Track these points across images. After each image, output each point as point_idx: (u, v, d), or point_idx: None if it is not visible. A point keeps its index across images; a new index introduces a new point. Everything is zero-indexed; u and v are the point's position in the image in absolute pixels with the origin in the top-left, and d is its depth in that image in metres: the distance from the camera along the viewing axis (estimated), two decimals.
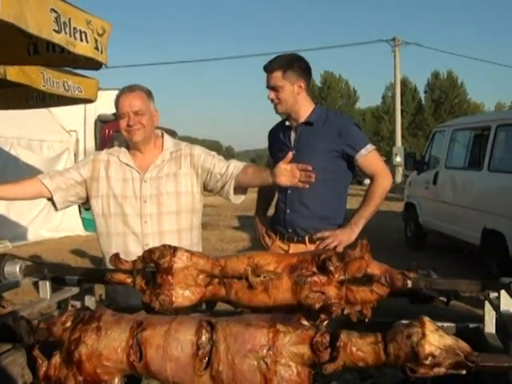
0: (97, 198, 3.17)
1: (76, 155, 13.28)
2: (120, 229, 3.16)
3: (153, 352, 1.61)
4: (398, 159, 27.06)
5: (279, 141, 3.62)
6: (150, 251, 1.94)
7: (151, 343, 1.61)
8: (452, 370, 1.44)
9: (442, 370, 1.46)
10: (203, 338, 1.58)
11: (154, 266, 1.96)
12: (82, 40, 3.87)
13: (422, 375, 1.46)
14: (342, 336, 1.49)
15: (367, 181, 3.65)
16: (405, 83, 49.47)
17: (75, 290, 2.53)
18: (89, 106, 13.07)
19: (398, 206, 13.49)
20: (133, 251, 3.04)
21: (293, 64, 3.39)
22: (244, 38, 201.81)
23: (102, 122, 14.59)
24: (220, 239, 11.98)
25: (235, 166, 3.09)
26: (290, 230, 3.49)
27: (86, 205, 3.34)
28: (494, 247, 7.37)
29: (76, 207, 12.65)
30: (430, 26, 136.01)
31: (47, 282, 2.43)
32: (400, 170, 28.42)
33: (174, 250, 1.94)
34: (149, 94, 3.17)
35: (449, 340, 1.44)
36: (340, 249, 3.07)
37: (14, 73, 5.69)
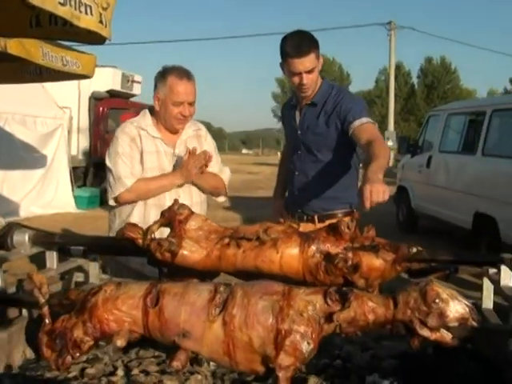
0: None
1: (69, 132, 13.23)
2: (156, 200, 3.24)
3: (169, 298, 1.68)
4: (390, 143, 27.07)
5: (287, 120, 3.61)
6: (172, 205, 2.01)
7: (169, 291, 1.69)
8: (458, 333, 1.51)
9: (448, 336, 1.52)
10: (221, 287, 1.66)
11: (170, 224, 2.02)
12: (86, 13, 3.83)
13: (429, 336, 1.52)
14: (355, 290, 1.56)
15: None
16: (398, 68, 49.25)
17: (81, 261, 2.56)
18: (83, 82, 13.01)
19: (390, 190, 13.51)
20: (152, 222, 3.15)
21: (315, 41, 3.22)
22: (236, 18, 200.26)
23: (96, 99, 14.52)
24: (211, 219, 11.96)
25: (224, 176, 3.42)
26: (300, 210, 3.47)
27: None
28: (486, 231, 7.44)
29: (68, 184, 12.64)
30: (424, 10, 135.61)
31: (54, 252, 2.44)
32: (392, 154, 28.48)
33: (193, 212, 2.03)
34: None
35: (454, 293, 1.51)
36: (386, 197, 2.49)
37: (13, 46, 5.62)
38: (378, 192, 2.39)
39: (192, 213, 2.03)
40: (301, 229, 3.32)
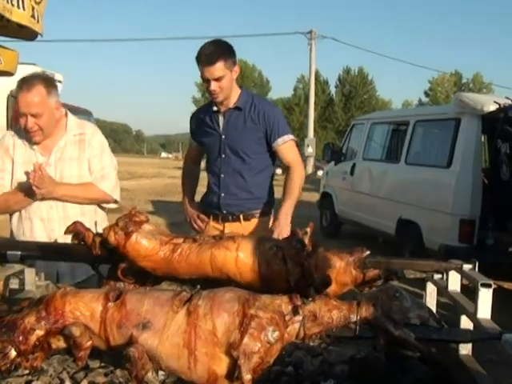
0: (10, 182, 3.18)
1: None
2: (27, 214, 3.17)
3: (132, 293, 1.64)
4: (310, 150, 27.66)
5: (205, 125, 3.62)
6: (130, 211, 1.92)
7: (132, 290, 1.67)
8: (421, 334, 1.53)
9: (411, 335, 1.54)
10: (187, 288, 1.63)
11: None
12: (18, 7, 3.68)
13: (393, 331, 1.53)
14: None
15: (278, 170, 3.76)
16: (316, 76, 50.34)
17: (18, 267, 2.43)
18: (0, 80, 12.48)
19: (310, 197, 13.77)
20: (38, 236, 3.11)
21: (228, 51, 3.38)
22: (159, 21, 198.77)
23: (14, 97, 13.96)
24: None
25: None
26: (225, 212, 3.56)
27: None
28: (409, 236, 7.69)
29: None
30: (345, 21, 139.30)
31: None
32: (311, 161, 29.00)
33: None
34: (49, 87, 3.05)
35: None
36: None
37: None
38: (283, 234, 3.09)
39: (148, 220, 1.95)
40: (226, 229, 3.49)
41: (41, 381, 1.88)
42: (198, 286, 1.73)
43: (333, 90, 61.75)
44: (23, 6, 3.75)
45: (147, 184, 21.76)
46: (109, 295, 1.64)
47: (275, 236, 3.25)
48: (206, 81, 3.35)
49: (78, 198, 3.18)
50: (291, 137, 3.53)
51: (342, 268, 1.79)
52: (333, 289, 1.84)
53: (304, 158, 26.68)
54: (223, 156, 3.52)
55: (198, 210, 3.74)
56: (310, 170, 27.91)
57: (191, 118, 3.84)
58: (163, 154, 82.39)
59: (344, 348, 2.13)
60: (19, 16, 3.73)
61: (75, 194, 3.16)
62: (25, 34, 4.12)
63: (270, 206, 3.64)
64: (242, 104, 3.48)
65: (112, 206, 3.36)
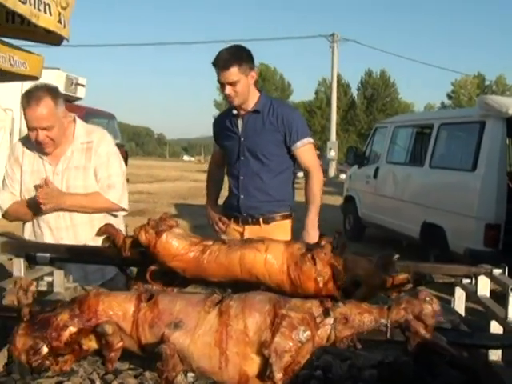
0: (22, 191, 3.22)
1: (11, 135, 12.81)
2: (36, 222, 3.20)
3: (165, 294, 1.67)
4: (332, 153, 27.58)
5: (226, 129, 3.69)
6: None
7: (163, 292, 1.70)
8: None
9: (443, 339, 1.53)
10: (218, 291, 1.65)
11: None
12: (45, 12, 3.73)
13: (424, 334, 1.52)
14: None
15: (300, 174, 3.80)
16: (338, 79, 50.24)
17: (47, 269, 2.45)
18: (26, 84, 12.60)
19: (333, 200, 13.73)
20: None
21: (244, 57, 3.45)
22: (183, 25, 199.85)
23: None
24: None
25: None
26: (245, 214, 3.60)
27: None
28: (434, 240, 7.62)
29: None
30: (368, 24, 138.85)
31: (22, 260, 2.35)
32: (334, 164, 28.93)
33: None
34: (55, 98, 3.04)
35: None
36: None
37: None
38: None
39: (177, 225, 1.96)
40: (246, 232, 3.54)
41: (71, 382, 1.90)
42: (229, 290, 1.73)
43: (354, 92, 61.62)
44: (50, 12, 3.81)
45: (170, 187, 21.85)
46: (141, 296, 1.65)
47: None
48: (222, 84, 3.44)
49: (85, 208, 3.17)
50: (310, 140, 3.58)
51: (371, 270, 1.76)
52: (362, 292, 1.84)
53: (326, 161, 26.63)
54: (242, 158, 3.58)
55: (219, 213, 3.79)
56: (332, 173, 27.85)
57: (214, 122, 3.91)
58: (185, 157, 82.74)
59: (372, 352, 2.13)
60: (46, 21, 3.78)
61: (82, 204, 3.16)
62: (51, 39, 4.18)
63: (291, 209, 3.66)
64: (260, 107, 3.53)
65: (122, 213, 3.34)
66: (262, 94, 3.62)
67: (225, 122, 3.71)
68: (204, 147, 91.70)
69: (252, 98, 3.54)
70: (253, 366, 1.52)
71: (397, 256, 1.90)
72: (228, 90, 3.41)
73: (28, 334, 1.66)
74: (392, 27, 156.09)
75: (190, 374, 1.88)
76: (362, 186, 10.50)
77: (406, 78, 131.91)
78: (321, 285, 1.69)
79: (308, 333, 1.50)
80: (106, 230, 2.01)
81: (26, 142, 3.20)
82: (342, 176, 24.60)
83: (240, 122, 3.59)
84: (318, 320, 1.54)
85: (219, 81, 3.43)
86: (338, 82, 41.79)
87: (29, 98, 2.95)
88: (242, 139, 3.56)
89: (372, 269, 1.78)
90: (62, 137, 3.12)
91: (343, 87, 58.78)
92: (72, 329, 1.62)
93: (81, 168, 3.16)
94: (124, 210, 3.30)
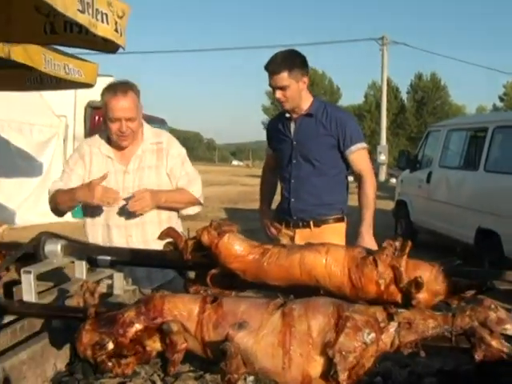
0: None
1: (65, 140, 13.13)
2: (103, 220, 3.23)
3: (228, 298, 1.71)
4: (383, 157, 27.26)
5: (279, 132, 3.70)
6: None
7: (227, 296, 1.73)
8: None
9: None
10: (279, 299, 1.65)
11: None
12: (103, 21, 3.82)
13: (490, 342, 1.49)
14: None
15: (350, 178, 3.76)
16: (387, 82, 49.76)
17: (108, 272, 2.50)
18: (79, 91, 12.91)
19: (384, 204, 13.56)
20: (116, 242, 3.17)
21: (296, 62, 3.45)
22: (230, 31, 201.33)
23: (92, 108, 14.42)
24: None
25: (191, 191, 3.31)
26: (295, 218, 3.59)
27: None
28: (488, 246, 7.44)
29: None
30: (417, 26, 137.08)
31: (83, 262, 2.38)
32: (384, 169, 28.60)
33: None
34: (138, 94, 3.20)
35: None
36: None
37: (17, 53, 5.58)
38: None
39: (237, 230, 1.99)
40: (297, 235, 3.40)
41: (133, 383, 1.94)
42: (292, 296, 1.73)
43: (404, 96, 60.81)
44: (107, 21, 3.89)
45: (220, 191, 21.96)
46: (206, 298, 1.68)
47: None
48: (273, 88, 3.47)
49: (177, 203, 3.28)
50: (364, 145, 3.56)
51: (434, 275, 1.73)
52: (424, 297, 1.78)
53: (376, 166, 26.35)
54: (294, 162, 3.57)
55: (272, 217, 3.80)
56: (382, 177, 27.53)
57: (267, 125, 3.99)
58: (234, 162, 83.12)
59: (431, 360, 2.10)
60: (104, 30, 3.86)
61: (176, 199, 3.27)
62: (108, 47, 4.26)
63: (342, 213, 3.63)
64: (313, 111, 3.53)
65: (195, 209, 3.42)
66: (316, 99, 3.62)
67: (278, 125, 3.72)
68: (252, 152, 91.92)
69: (305, 102, 3.54)
70: (316, 367, 1.51)
71: (458, 261, 1.88)
72: (278, 94, 3.44)
73: (94, 329, 1.70)
74: (442, 28, 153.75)
75: (250, 378, 1.89)
76: (414, 191, 10.35)
77: (456, 79, 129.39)
78: (382, 287, 1.67)
79: (373, 335, 1.49)
80: (169, 233, 2.05)
81: (94, 142, 3.29)
82: (393, 180, 24.27)
83: (293, 125, 3.59)
84: (382, 325, 1.53)
85: (270, 85, 3.46)
86: (388, 85, 41.36)
87: (116, 90, 3.10)
88: (295, 143, 3.56)
89: (434, 273, 1.76)
90: (138, 133, 3.22)
91: (393, 90, 58.08)
92: (138, 326, 1.66)
93: (153, 167, 3.25)
94: (201, 204, 3.43)
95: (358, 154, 3.52)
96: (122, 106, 3.07)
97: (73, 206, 3.21)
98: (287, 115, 3.61)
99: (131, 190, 3.15)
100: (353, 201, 3.71)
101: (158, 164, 3.26)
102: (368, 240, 3.34)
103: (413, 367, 2.14)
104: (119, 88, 3.11)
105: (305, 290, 1.81)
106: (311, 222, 3.55)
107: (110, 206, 3.07)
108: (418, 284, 1.62)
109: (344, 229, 3.61)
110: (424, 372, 2.08)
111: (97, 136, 3.34)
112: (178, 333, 1.61)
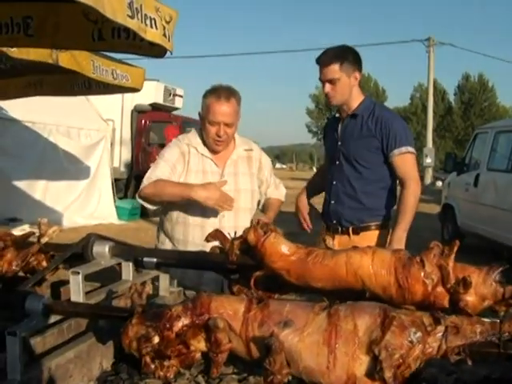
0: None
1: (112, 144, 13.38)
2: (198, 221, 3.21)
3: (274, 300, 1.74)
4: (429, 160, 26.89)
5: (330, 132, 3.65)
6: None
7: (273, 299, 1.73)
8: None
9: None
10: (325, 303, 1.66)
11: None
12: (151, 26, 3.86)
13: None
14: None
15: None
16: (434, 84, 49.07)
17: (154, 273, 2.53)
18: (126, 95, 13.17)
19: (429, 208, 13.35)
20: (190, 240, 3.19)
21: (348, 56, 3.34)
22: (276, 33, 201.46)
23: (138, 112, 14.66)
24: None
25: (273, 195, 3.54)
26: (335, 221, 3.48)
27: None
28: None
29: (111, 195, 12.74)
30: (463, 26, 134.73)
31: (130, 264, 2.43)
32: (430, 172, 28.21)
33: None
34: (240, 101, 3.26)
35: None
36: None
37: (65, 59, 5.68)
38: None
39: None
40: (336, 241, 3.43)
41: (178, 383, 1.96)
42: (337, 301, 1.72)
43: (451, 97, 59.84)
44: (156, 26, 3.93)
45: None
46: (252, 299, 1.71)
47: None
48: (322, 83, 3.38)
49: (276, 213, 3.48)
50: (410, 149, 3.32)
51: (482, 278, 1.69)
52: (472, 301, 1.72)
53: (422, 169, 25.99)
54: (337, 163, 3.47)
55: (308, 205, 3.69)
56: (428, 180, 27.16)
57: (324, 125, 3.93)
58: (277, 165, 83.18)
59: (477, 367, 2.06)
60: (153, 35, 3.91)
61: (276, 210, 3.49)
62: (156, 52, 4.30)
63: (385, 219, 3.44)
64: (360, 111, 3.40)
65: None
66: (367, 98, 3.49)
67: (330, 125, 3.67)
68: (296, 155, 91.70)
69: (355, 101, 3.41)
70: (361, 366, 1.51)
71: (507, 266, 1.84)
72: (327, 87, 3.34)
73: (141, 323, 1.73)
74: (488, 28, 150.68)
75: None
76: (461, 194, 10.15)
77: (504, 80, 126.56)
78: (429, 288, 1.64)
79: (419, 334, 1.48)
80: (216, 236, 2.06)
81: (191, 141, 3.30)
82: (439, 183, 23.92)
83: (340, 125, 3.49)
84: (429, 329, 1.51)
85: (320, 79, 3.37)
86: (434, 86, 40.77)
87: (220, 94, 3.16)
88: (339, 143, 3.46)
89: (482, 276, 1.72)
90: (231, 139, 3.30)
91: (439, 92, 57.21)
92: (184, 320, 1.69)
93: (247, 174, 3.35)
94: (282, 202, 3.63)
95: (402, 158, 3.29)
96: (223, 110, 3.13)
97: (175, 199, 3.17)
98: (337, 115, 3.55)
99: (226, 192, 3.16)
100: None
101: (249, 171, 3.35)
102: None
103: (459, 374, 2.11)
104: (223, 93, 3.16)
105: (349, 294, 1.80)
106: (350, 229, 3.40)
107: (223, 210, 3.13)
108: (466, 283, 1.59)
109: (387, 238, 3.36)
110: (470, 379, 2.05)
111: (191, 135, 3.35)
112: (224, 330, 1.62)
